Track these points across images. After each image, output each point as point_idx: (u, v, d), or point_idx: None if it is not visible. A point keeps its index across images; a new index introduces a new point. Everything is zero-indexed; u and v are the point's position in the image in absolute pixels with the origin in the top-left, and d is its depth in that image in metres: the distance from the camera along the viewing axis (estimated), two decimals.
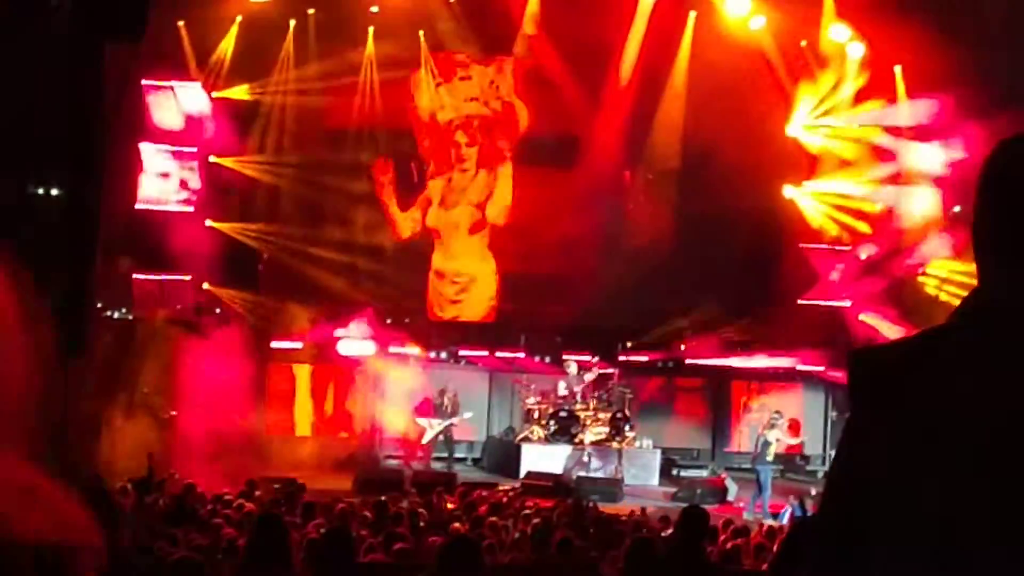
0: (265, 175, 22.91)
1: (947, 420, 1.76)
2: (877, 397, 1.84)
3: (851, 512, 1.85)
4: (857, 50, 22.83)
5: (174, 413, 19.95)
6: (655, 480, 21.89)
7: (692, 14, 23.24)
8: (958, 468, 1.74)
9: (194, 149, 21.62)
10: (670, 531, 12.50)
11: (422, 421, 22.21)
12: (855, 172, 23.41)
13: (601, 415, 22.20)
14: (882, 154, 23.14)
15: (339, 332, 22.35)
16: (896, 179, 23.03)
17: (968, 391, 1.77)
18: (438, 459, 22.51)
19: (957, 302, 1.93)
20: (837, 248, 23.71)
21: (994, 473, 1.72)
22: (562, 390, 22.31)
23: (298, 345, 22.65)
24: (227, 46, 21.96)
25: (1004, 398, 1.76)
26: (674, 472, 22.85)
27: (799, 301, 23.55)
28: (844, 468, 1.90)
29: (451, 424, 22.14)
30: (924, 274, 22.59)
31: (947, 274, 21.88)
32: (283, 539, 6.60)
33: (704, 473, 23.11)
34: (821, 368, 22.85)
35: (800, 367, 23.50)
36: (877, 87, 22.88)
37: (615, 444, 21.82)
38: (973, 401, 1.76)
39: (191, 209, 21.65)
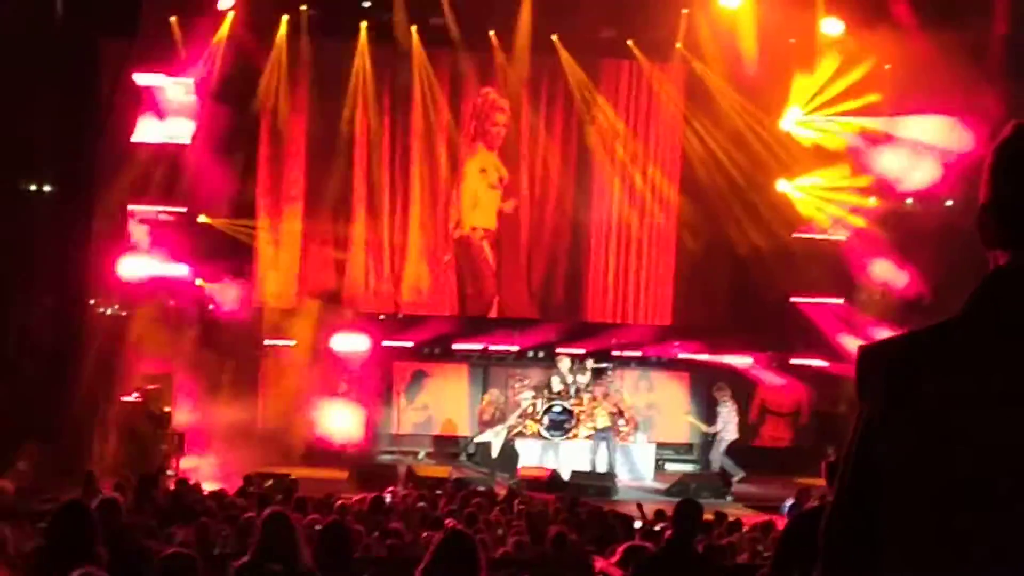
0: (263, 171, 22.95)
1: (966, 414, 1.76)
2: (893, 390, 1.83)
3: (864, 503, 1.84)
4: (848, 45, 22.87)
5: (168, 409, 19.95)
6: (649, 475, 21.94)
7: (684, 12, 23.28)
8: (978, 460, 1.74)
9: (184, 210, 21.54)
10: (661, 524, 12.58)
11: (481, 438, 22.19)
12: (845, 166, 23.50)
13: (595, 410, 22.24)
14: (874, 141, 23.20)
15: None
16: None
17: (989, 383, 1.76)
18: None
19: None
20: (830, 238, 23.76)
21: (1015, 464, 1.72)
22: (556, 385, 22.36)
23: (291, 342, 22.68)
24: (220, 42, 21.95)
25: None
26: (667, 467, 22.93)
27: (792, 299, 23.67)
28: (857, 460, 1.89)
29: (511, 427, 21.99)
30: None
31: None
32: (291, 533, 6.62)
33: (697, 467, 23.17)
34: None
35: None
36: (867, 85, 22.95)
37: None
38: (994, 393, 1.75)
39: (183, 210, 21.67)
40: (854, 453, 1.91)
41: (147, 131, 21.15)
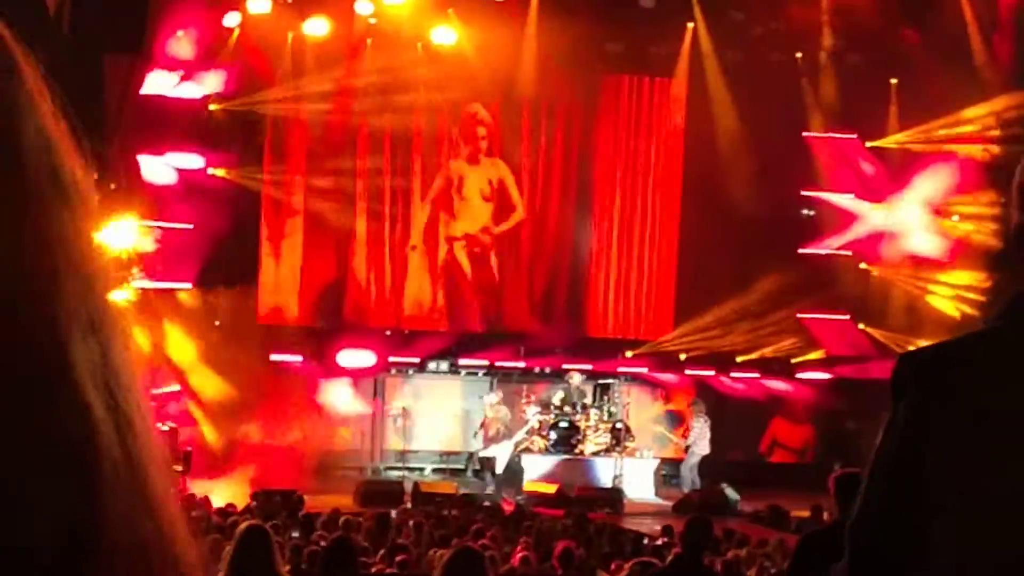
0: (267, 187, 22.99)
1: (1010, 416, 1.77)
2: (944, 397, 1.83)
3: (902, 511, 1.84)
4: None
5: (173, 425, 19.92)
6: (655, 491, 21.89)
7: (690, 25, 23.33)
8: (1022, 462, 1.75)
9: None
10: (665, 539, 12.55)
11: (486, 453, 22.16)
12: None
13: (601, 425, 22.22)
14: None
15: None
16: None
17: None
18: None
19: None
20: (838, 252, 23.79)
21: None
22: (563, 400, 22.35)
23: (297, 358, 22.68)
24: (226, 57, 21.99)
25: None
26: (674, 482, 22.88)
27: (798, 315, 23.66)
28: (895, 468, 1.88)
29: (517, 444, 21.95)
30: (929, 291, 22.68)
31: (955, 291, 21.94)
32: (268, 549, 6.39)
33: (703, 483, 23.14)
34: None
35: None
36: (871, 98, 22.98)
37: (615, 454, 21.81)
38: None
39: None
40: (891, 460, 1.90)
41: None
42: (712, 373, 23.91)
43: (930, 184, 22.21)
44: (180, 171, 21.41)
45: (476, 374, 24.03)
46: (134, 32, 19.91)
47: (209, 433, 20.84)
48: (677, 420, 24.17)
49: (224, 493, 17.69)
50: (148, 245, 21.03)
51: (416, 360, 23.49)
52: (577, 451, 21.84)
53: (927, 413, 1.84)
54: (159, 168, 21.29)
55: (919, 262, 22.84)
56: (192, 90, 21.47)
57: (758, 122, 22.41)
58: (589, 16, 22.55)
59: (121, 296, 19.69)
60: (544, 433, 21.96)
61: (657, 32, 23.21)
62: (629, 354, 23.83)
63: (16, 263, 0.75)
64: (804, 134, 23.62)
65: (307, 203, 23.12)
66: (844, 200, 23.66)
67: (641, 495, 21.32)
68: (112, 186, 18.67)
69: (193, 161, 21.48)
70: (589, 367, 23.18)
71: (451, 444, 23.57)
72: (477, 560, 6.03)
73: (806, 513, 16.50)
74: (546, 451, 21.81)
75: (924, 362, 1.92)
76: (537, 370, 23.93)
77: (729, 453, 23.56)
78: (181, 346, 21.09)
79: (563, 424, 21.93)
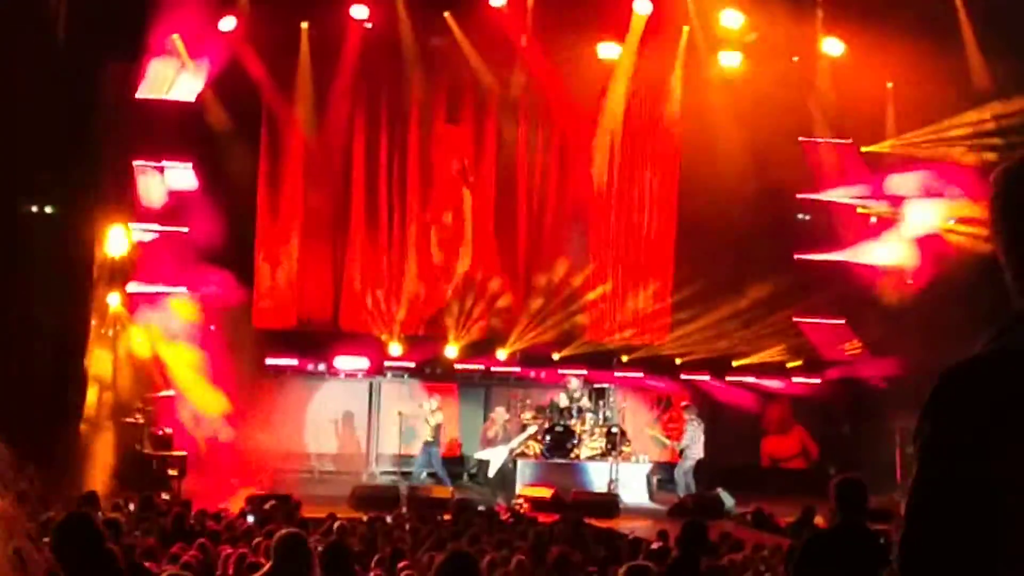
0: (263, 192, 22.99)
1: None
2: (1000, 411, 1.83)
3: (968, 532, 1.82)
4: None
5: (169, 430, 19.92)
6: (650, 495, 21.89)
7: (685, 29, 23.33)
8: None
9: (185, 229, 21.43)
10: (661, 544, 12.53)
11: (481, 455, 22.17)
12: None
13: (597, 430, 22.22)
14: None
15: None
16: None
17: None
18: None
19: None
20: (832, 258, 23.82)
21: None
22: (560, 405, 22.35)
23: (293, 362, 22.70)
24: (222, 61, 21.97)
25: None
26: (669, 486, 22.88)
27: (794, 319, 23.68)
28: (955, 487, 1.85)
29: (512, 450, 21.97)
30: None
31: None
32: (306, 555, 6.55)
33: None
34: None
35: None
36: (868, 104, 22.99)
37: (611, 459, 21.81)
38: None
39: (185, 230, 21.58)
40: (948, 480, 1.89)
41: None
42: (707, 378, 23.93)
43: (926, 189, 22.22)
44: (172, 192, 21.42)
45: (472, 379, 24.01)
46: (129, 39, 19.90)
47: (204, 437, 20.83)
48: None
49: (219, 497, 17.69)
50: (144, 250, 21.06)
51: (411, 365, 23.49)
52: (572, 455, 21.84)
53: (1003, 433, 1.84)
54: (155, 186, 21.28)
55: (914, 267, 22.82)
56: (187, 95, 21.45)
57: (754, 127, 22.40)
58: (585, 21, 22.57)
59: (117, 301, 19.82)
60: (540, 437, 21.97)
61: (653, 37, 23.20)
62: (625, 359, 23.84)
63: None
64: (800, 139, 23.61)
65: (303, 208, 23.12)
66: (840, 204, 23.66)
67: (636, 499, 21.32)
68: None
69: (189, 177, 21.47)
70: (584, 372, 23.18)
71: (449, 449, 23.51)
72: (470, 564, 6.01)
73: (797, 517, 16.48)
74: (542, 455, 21.81)
75: (989, 378, 1.90)
76: (533, 375, 23.94)
77: (725, 457, 23.54)
78: (176, 351, 21.09)
79: (559, 429, 21.92)
